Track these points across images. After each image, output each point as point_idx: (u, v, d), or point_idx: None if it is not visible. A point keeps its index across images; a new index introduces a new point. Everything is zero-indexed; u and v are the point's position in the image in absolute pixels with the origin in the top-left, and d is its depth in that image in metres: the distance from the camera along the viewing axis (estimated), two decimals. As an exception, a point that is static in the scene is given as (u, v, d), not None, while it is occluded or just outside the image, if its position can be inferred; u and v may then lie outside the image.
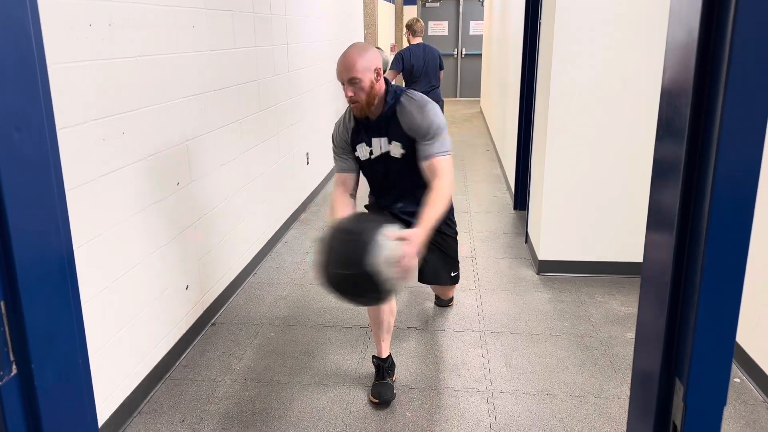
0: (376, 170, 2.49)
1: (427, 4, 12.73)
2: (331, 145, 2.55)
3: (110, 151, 2.19)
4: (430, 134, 2.33)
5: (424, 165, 2.34)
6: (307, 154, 5.06)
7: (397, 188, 2.55)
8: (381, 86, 2.37)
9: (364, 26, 8.31)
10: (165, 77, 2.57)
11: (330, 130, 5.93)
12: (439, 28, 12.75)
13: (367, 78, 2.30)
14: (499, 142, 7.07)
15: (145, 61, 2.40)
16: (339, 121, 2.53)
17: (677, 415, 0.72)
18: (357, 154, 2.48)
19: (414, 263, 1.97)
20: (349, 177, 2.50)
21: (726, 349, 0.68)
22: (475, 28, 12.62)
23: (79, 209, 2.02)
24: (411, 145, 2.39)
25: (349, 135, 2.49)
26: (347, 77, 2.29)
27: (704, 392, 0.69)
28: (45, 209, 0.78)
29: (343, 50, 2.34)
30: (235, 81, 3.35)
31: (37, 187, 0.76)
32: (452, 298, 3.29)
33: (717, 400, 0.69)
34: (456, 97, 13.00)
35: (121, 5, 2.23)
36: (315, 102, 5.30)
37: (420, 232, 2.07)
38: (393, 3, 11.42)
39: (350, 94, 2.33)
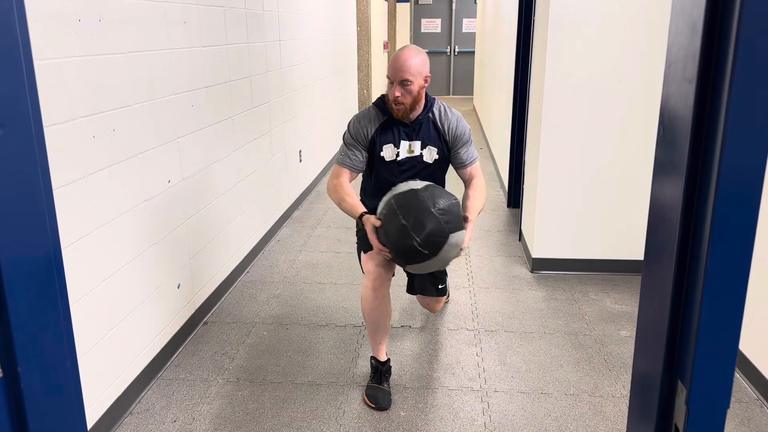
0: (396, 172, 2.44)
1: (420, 2, 12.70)
2: (345, 134, 2.46)
3: (100, 149, 2.16)
4: (468, 141, 2.50)
5: (465, 169, 2.52)
6: (300, 151, 5.03)
7: None
8: (423, 94, 2.40)
9: (357, 23, 8.28)
10: (156, 73, 2.54)
11: (323, 127, 5.90)
12: (432, 25, 12.74)
13: (417, 82, 2.32)
14: (492, 139, 7.07)
15: (135, 57, 2.37)
16: (363, 114, 2.46)
17: (679, 419, 0.71)
18: (382, 153, 2.43)
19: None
20: (351, 174, 2.44)
21: (730, 350, 0.67)
22: (468, 25, 12.61)
23: (68, 207, 1.99)
24: (444, 152, 2.47)
25: (373, 131, 2.43)
26: (401, 78, 2.29)
27: (707, 395, 0.68)
28: (31, 207, 0.76)
29: (399, 49, 2.34)
30: (227, 78, 3.32)
31: (22, 184, 0.74)
32: (448, 301, 3.27)
33: (720, 402, 0.68)
34: (449, 94, 12.99)
35: (111, 0, 2.19)
36: (308, 99, 5.27)
37: (472, 222, 2.30)
38: (386, 0, 11.39)
39: (398, 94, 2.32)
